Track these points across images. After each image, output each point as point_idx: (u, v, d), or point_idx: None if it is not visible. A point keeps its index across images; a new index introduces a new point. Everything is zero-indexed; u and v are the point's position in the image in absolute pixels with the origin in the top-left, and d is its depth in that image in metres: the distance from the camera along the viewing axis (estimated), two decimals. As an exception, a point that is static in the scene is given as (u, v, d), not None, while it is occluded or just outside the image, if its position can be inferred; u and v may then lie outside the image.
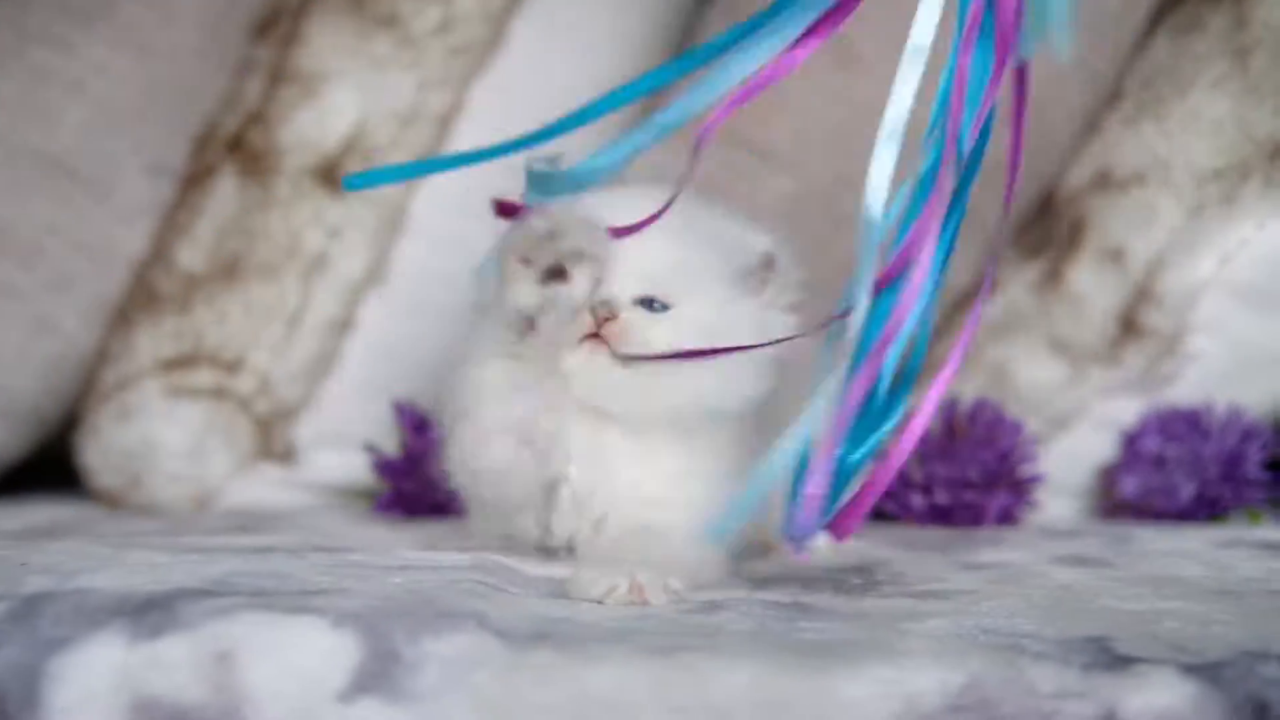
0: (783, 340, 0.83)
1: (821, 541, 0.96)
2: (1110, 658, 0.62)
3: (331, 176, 1.18)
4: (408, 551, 0.87)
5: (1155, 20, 1.26)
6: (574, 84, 1.21)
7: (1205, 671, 0.61)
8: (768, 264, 0.85)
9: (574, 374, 0.82)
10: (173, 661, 0.63)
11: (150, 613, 0.65)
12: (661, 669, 0.61)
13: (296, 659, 0.63)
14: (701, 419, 0.83)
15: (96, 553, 0.82)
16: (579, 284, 0.79)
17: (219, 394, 1.17)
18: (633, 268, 0.82)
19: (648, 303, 0.83)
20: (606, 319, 0.81)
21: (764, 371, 0.84)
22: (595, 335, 0.81)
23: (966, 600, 0.75)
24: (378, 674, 0.62)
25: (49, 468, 1.29)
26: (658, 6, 1.26)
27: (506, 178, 1.20)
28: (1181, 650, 0.63)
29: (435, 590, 0.71)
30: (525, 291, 0.79)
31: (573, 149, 1.23)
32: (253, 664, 0.63)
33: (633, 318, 0.82)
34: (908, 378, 0.74)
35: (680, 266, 0.83)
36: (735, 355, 0.82)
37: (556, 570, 0.81)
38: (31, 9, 1.19)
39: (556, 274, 0.79)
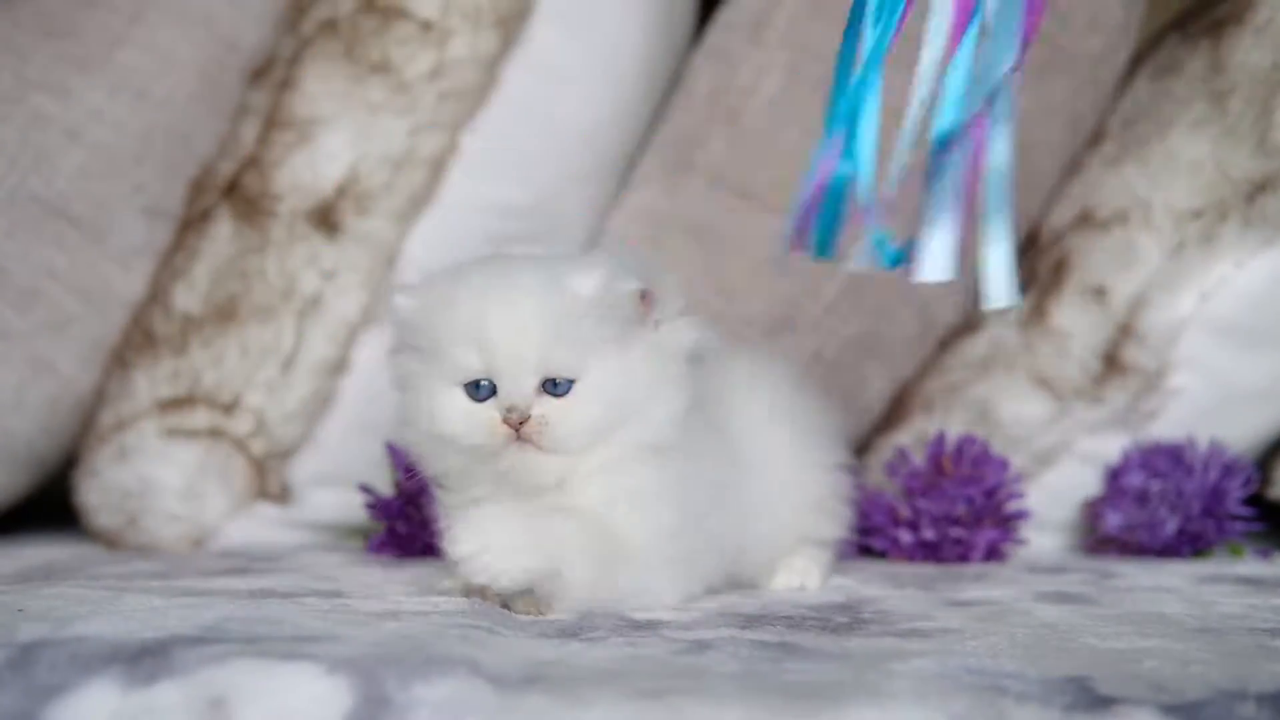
0: None
1: (813, 583, 0.97)
2: (1091, 698, 0.62)
3: (326, 220, 1.19)
4: (401, 595, 0.87)
5: (1136, 62, 1.27)
6: (565, 128, 1.23)
7: (1183, 711, 0.61)
8: (645, 300, 0.85)
9: (511, 472, 0.84)
10: (167, 708, 0.63)
11: (145, 660, 0.65)
12: (650, 712, 0.61)
13: (289, 705, 0.63)
14: (645, 451, 0.85)
15: (92, 597, 0.82)
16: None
17: (215, 434, 1.18)
18: (526, 356, 0.82)
19: (551, 385, 0.83)
20: (522, 423, 0.82)
21: (684, 385, 0.86)
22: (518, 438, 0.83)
23: (951, 639, 0.76)
24: (370, 719, 0.62)
25: (47, 507, 1.30)
26: (649, 51, 1.27)
27: (505, 219, 1.22)
28: (1161, 690, 0.63)
29: (427, 635, 0.72)
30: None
31: (569, 189, 1.25)
32: (246, 710, 0.63)
33: (546, 413, 0.82)
34: None
35: (567, 340, 0.83)
36: (652, 387, 0.84)
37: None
38: (31, 56, 1.20)
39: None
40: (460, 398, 0.84)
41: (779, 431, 0.96)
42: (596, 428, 0.83)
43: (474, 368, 0.83)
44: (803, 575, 0.97)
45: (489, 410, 0.83)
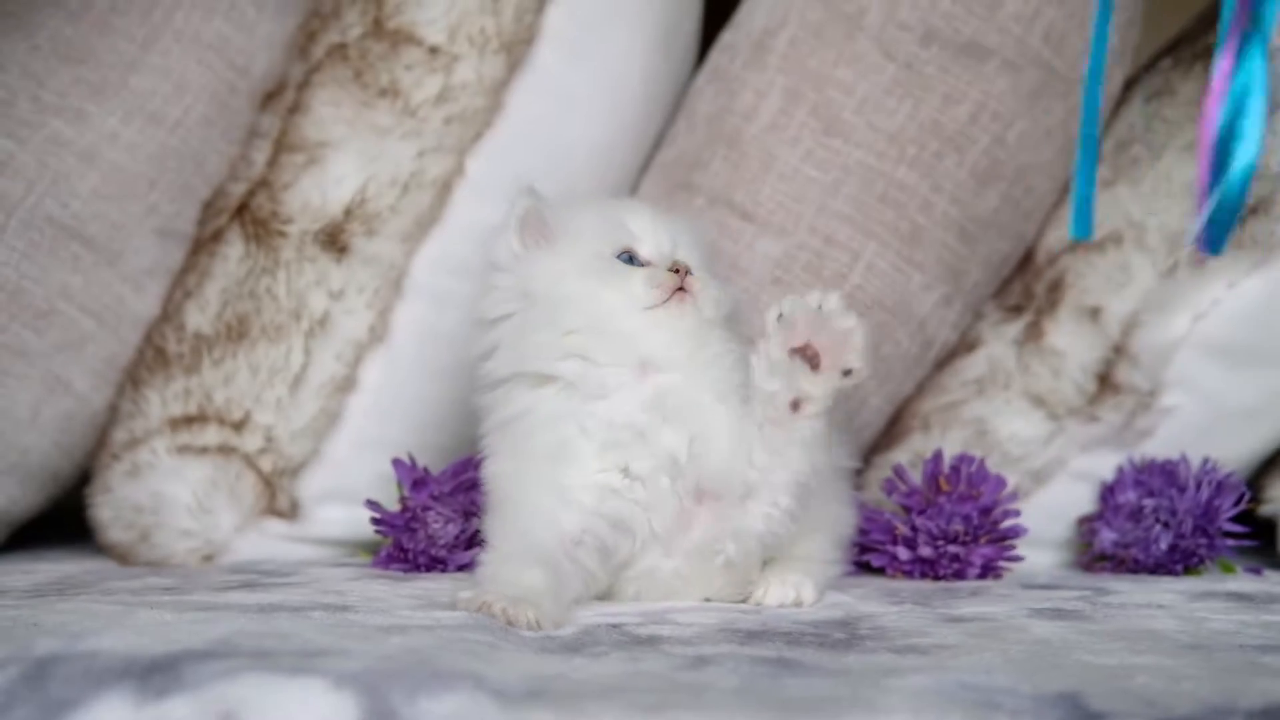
0: None
1: (808, 597, 0.98)
2: (1083, 713, 0.63)
3: (335, 241, 1.21)
4: (407, 610, 0.88)
5: (1129, 86, 1.29)
6: (569, 151, 1.25)
7: (1172, 727, 0.62)
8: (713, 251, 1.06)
9: (657, 328, 0.96)
10: (178, 721, 0.64)
11: (156, 674, 0.66)
12: (651, 727, 0.62)
13: (298, 719, 0.64)
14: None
15: (105, 611, 0.84)
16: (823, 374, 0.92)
17: (226, 451, 1.19)
18: (666, 236, 0.99)
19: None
20: (689, 273, 0.97)
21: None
22: (681, 289, 0.96)
23: (947, 655, 0.76)
24: (376, 733, 0.63)
25: (61, 522, 1.31)
26: (652, 74, 1.28)
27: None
28: (1152, 705, 0.64)
29: (432, 650, 0.73)
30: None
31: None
32: (256, 724, 0.64)
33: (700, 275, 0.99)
34: None
35: (687, 240, 1.01)
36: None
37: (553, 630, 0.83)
38: (48, 82, 1.22)
39: (807, 355, 0.92)
40: (619, 267, 0.98)
41: None
42: (724, 304, 0.99)
43: (625, 243, 0.98)
44: (797, 588, 0.96)
45: (647, 270, 0.97)
